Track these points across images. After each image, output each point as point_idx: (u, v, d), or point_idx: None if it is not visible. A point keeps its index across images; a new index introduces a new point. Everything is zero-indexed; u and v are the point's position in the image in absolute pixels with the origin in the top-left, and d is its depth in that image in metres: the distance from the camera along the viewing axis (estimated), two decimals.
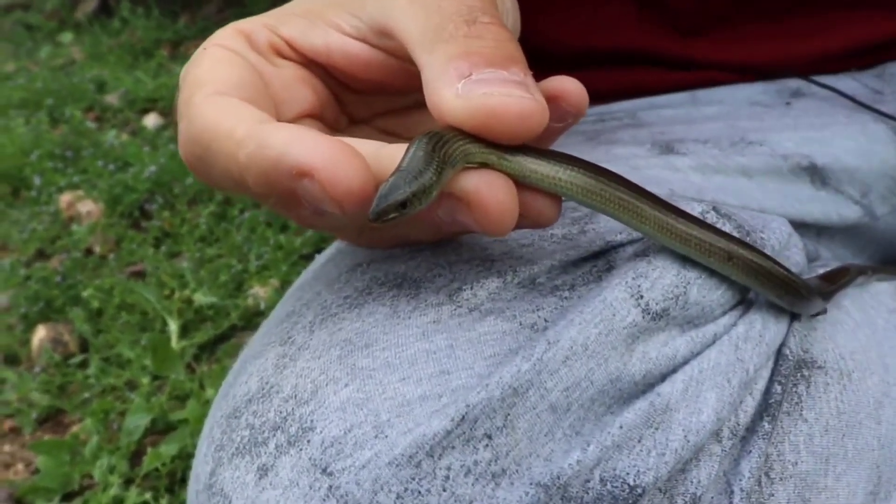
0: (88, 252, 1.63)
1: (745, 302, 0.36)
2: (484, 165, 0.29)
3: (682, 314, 0.34)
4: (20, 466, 1.13)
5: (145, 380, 1.21)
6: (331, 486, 0.30)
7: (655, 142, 0.50)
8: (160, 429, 1.13)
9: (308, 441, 0.31)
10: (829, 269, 0.42)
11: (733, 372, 0.34)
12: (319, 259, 0.44)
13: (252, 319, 1.35)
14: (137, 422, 1.11)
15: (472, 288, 0.35)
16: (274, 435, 0.32)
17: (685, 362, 0.33)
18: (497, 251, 0.37)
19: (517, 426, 0.30)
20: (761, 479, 0.34)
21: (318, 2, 0.36)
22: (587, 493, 0.30)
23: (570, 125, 0.33)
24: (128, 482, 1.04)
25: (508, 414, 0.30)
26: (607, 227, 0.38)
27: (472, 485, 0.29)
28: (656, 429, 0.32)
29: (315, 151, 0.27)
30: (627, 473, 0.31)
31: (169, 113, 2.31)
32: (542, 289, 0.36)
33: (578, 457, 0.30)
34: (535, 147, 0.31)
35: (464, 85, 0.28)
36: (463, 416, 0.30)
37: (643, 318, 0.33)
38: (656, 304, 0.33)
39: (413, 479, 0.29)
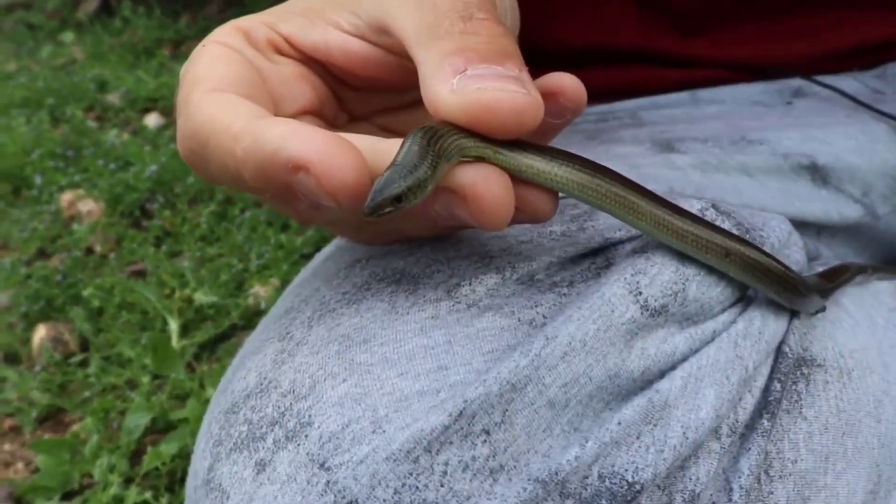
0: (89, 251, 1.63)
1: (744, 299, 0.36)
2: (480, 160, 0.29)
3: (680, 311, 0.34)
4: (20, 465, 1.13)
5: (145, 379, 1.21)
6: (328, 481, 0.30)
7: (655, 140, 0.50)
8: (160, 428, 1.13)
9: (306, 436, 0.31)
10: (828, 266, 0.42)
11: (732, 369, 0.34)
12: (319, 256, 0.45)
13: (252, 319, 1.35)
14: (137, 421, 1.11)
15: (470, 284, 0.35)
16: (272, 430, 0.32)
17: (684, 359, 0.33)
18: (496, 247, 0.37)
19: (515, 422, 0.30)
20: (760, 477, 0.34)
21: (317, 0, 0.36)
22: (585, 490, 0.30)
23: (568, 121, 0.33)
24: (128, 481, 1.04)
25: (506, 410, 0.30)
26: (606, 225, 0.38)
27: (470, 480, 0.29)
28: (655, 425, 0.32)
29: (310, 145, 0.28)
30: (626, 470, 0.31)
31: (170, 112, 2.31)
32: (540, 285, 0.36)
33: (577, 453, 0.30)
34: (532, 142, 0.31)
35: (459, 80, 0.28)
36: (461, 412, 0.29)
37: (642, 314, 0.33)
38: (655, 300, 0.33)
39: (411, 474, 0.29)
